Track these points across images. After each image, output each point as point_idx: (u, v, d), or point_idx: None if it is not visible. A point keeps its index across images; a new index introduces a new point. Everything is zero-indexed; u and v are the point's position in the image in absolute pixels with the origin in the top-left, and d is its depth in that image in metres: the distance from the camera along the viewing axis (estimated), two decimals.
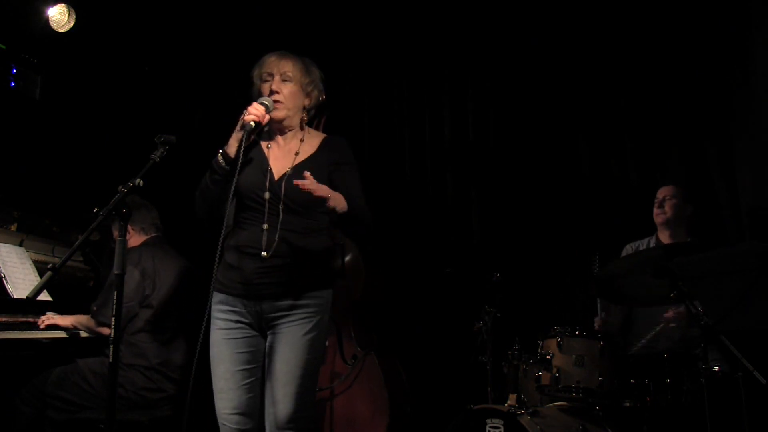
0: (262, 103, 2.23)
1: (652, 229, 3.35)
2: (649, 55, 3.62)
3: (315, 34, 4.35)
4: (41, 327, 3.10)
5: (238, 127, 2.19)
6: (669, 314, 2.96)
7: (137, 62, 4.69)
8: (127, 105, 4.64)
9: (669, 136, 3.56)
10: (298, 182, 2.05)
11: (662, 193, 3.28)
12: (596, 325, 3.15)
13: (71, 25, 4.07)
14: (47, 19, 4.03)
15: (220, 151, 2.23)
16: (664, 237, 3.27)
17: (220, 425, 2.26)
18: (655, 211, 3.27)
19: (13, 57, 4.10)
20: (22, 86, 4.16)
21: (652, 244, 3.26)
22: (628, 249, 3.35)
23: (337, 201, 2.08)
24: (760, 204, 3.19)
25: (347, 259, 3.50)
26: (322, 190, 2.05)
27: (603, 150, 3.72)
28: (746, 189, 3.27)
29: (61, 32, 4.07)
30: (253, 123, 2.17)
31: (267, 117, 2.24)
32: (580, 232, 3.69)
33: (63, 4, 4.04)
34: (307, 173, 2.06)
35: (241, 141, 2.17)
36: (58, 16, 4.04)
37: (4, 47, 4.04)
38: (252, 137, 2.24)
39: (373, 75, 4.30)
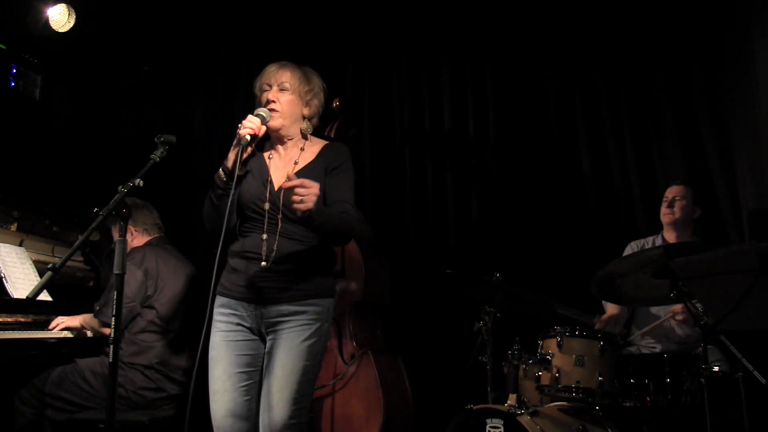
0: (258, 115, 2.24)
1: (652, 228, 3.34)
2: (650, 52, 3.61)
3: (314, 29, 4.36)
4: (56, 330, 3.11)
5: (234, 142, 2.21)
6: (678, 308, 2.94)
7: (137, 62, 4.69)
8: (127, 105, 4.65)
9: (669, 133, 3.55)
10: (285, 184, 2.06)
11: (672, 192, 3.23)
12: (596, 326, 3.14)
13: (71, 25, 4.07)
14: (47, 19, 4.03)
15: (221, 166, 2.25)
16: (670, 237, 3.25)
17: (214, 428, 2.25)
18: (664, 210, 3.23)
19: (13, 57, 4.11)
20: (22, 86, 4.17)
21: (657, 243, 3.24)
22: (632, 246, 3.32)
23: (306, 195, 2.02)
24: (760, 204, 3.19)
25: (349, 259, 3.50)
26: (301, 183, 2.03)
27: (603, 149, 3.71)
28: (746, 189, 3.26)
29: (61, 32, 4.07)
30: (248, 137, 2.19)
31: (263, 128, 2.25)
32: (580, 232, 3.68)
33: (63, 4, 4.04)
34: (291, 175, 2.07)
35: (237, 155, 2.18)
36: (58, 16, 4.04)
37: (4, 47, 4.04)
38: (249, 149, 2.25)
39: (373, 68, 4.30)
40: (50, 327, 3.12)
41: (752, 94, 3.24)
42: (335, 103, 3.68)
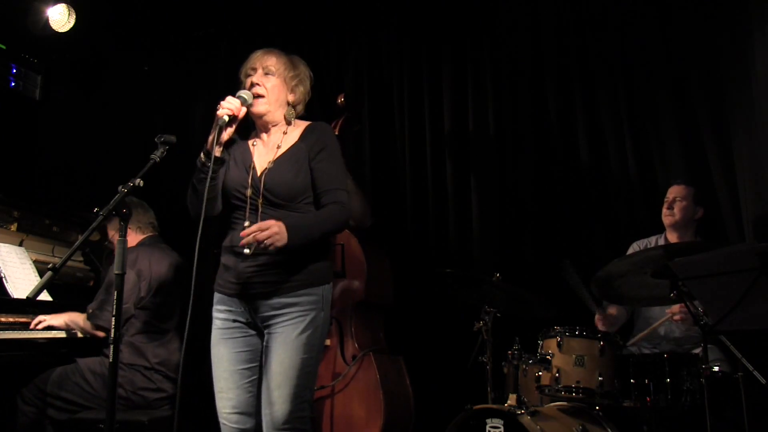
0: (239, 97, 2.23)
1: (655, 228, 3.34)
2: (650, 52, 3.61)
3: (314, 26, 4.36)
4: (37, 328, 3.07)
5: (214, 124, 2.19)
6: (675, 308, 2.94)
7: (137, 62, 4.69)
8: (127, 105, 4.64)
9: (669, 133, 3.55)
10: (244, 233, 2.07)
11: (672, 193, 3.22)
12: (598, 324, 3.13)
13: (71, 25, 4.07)
14: (47, 19, 4.03)
15: (202, 150, 2.23)
16: (672, 238, 3.23)
17: (220, 424, 2.27)
18: (664, 211, 3.22)
19: (13, 57, 4.11)
20: (22, 86, 4.17)
21: (660, 243, 3.22)
22: (635, 246, 3.31)
23: (268, 237, 2.04)
24: (760, 204, 3.18)
25: (350, 258, 3.49)
26: (258, 228, 2.06)
27: (604, 148, 3.71)
28: (746, 189, 3.25)
29: (61, 32, 4.08)
30: (226, 117, 2.17)
31: (243, 110, 2.23)
32: (582, 232, 3.68)
33: (63, 4, 4.05)
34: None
35: (215, 136, 2.17)
36: (58, 16, 4.05)
37: (4, 47, 4.05)
38: (230, 130, 2.21)
39: (373, 67, 4.30)
40: (32, 326, 3.06)
41: (752, 94, 3.24)
42: (340, 99, 3.66)
